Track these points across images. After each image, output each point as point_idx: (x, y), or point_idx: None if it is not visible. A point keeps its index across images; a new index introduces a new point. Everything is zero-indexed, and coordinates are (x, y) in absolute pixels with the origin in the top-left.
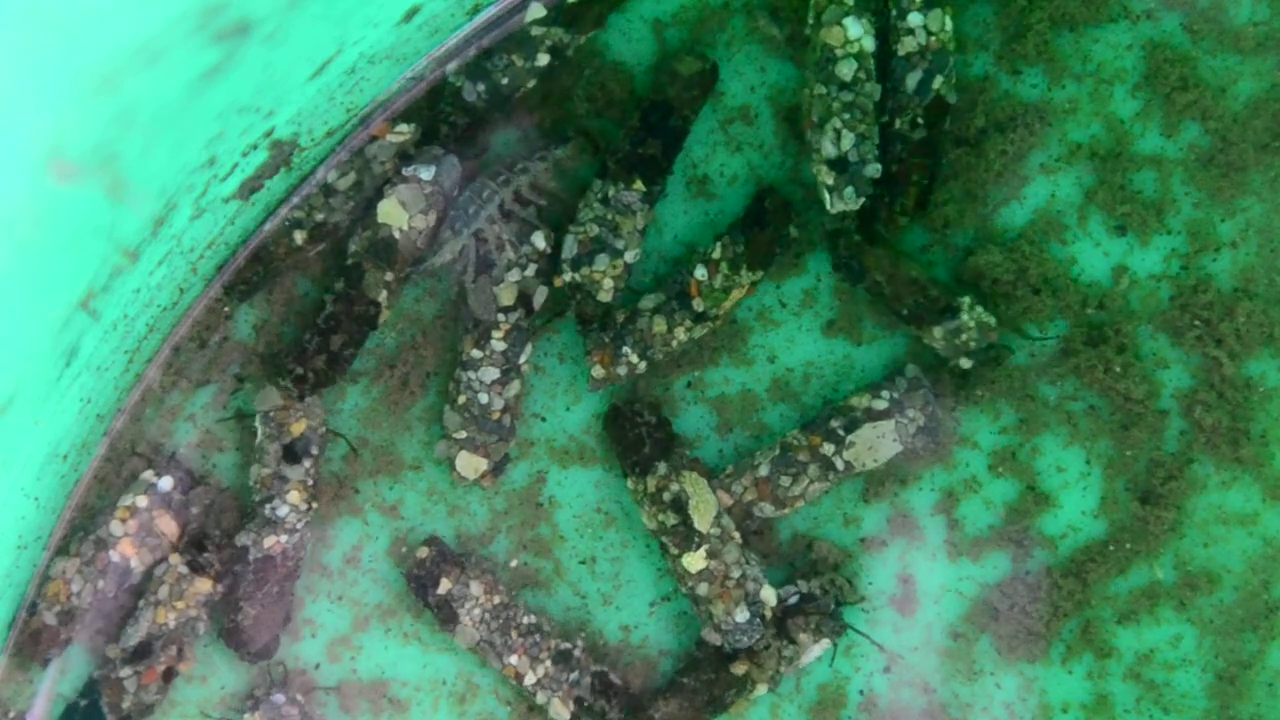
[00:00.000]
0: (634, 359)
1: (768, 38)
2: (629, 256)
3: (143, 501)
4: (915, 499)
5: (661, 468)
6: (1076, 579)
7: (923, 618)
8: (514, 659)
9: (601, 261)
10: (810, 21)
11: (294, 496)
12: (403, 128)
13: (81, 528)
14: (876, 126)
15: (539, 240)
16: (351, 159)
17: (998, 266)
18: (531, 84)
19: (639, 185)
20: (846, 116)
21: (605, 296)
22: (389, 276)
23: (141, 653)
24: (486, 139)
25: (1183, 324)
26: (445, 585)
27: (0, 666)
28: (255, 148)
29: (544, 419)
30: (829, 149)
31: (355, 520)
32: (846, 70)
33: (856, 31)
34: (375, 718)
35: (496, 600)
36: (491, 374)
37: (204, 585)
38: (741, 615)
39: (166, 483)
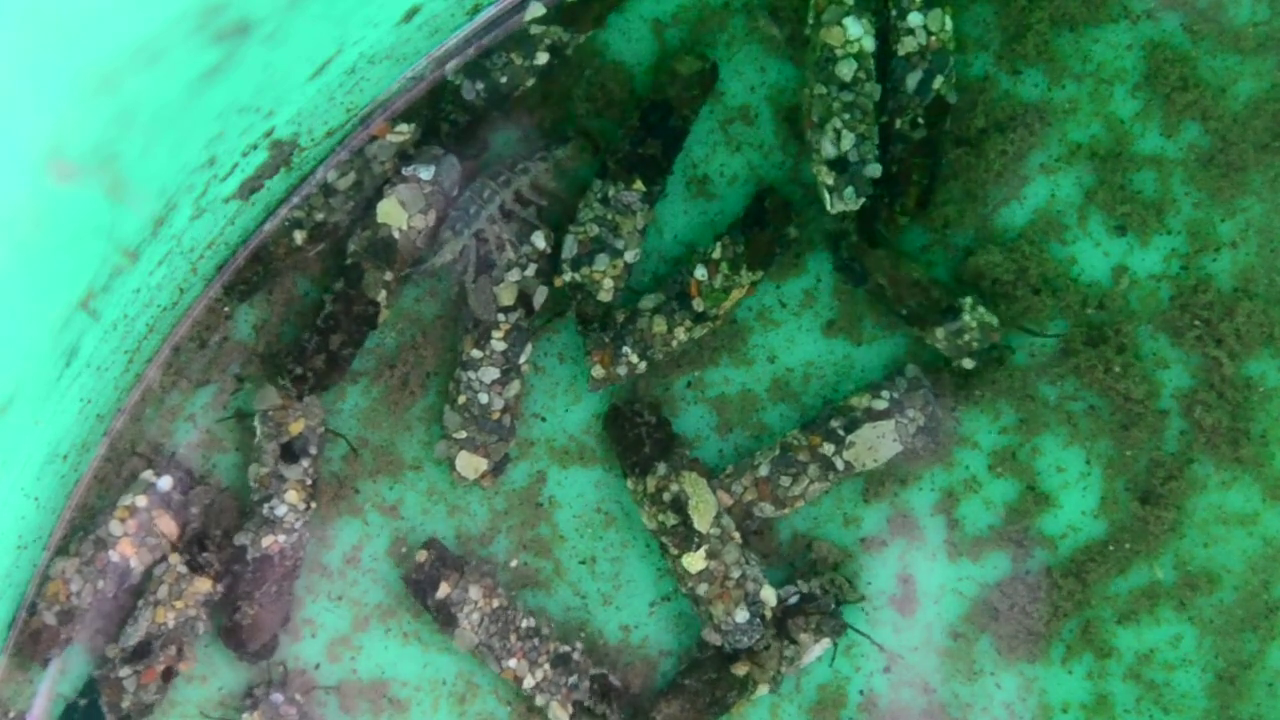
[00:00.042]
0: (634, 359)
1: (768, 38)
2: (629, 256)
3: (142, 501)
4: (915, 499)
5: (661, 468)
6: (1076, 579)
7: (923, 618)
8: (513, 662)
9: (601, 261)
10: (810, 21)
11: (292, 496)
12: (403, 128)
13: (81, 528)
14: (876, 127)
15: (539, 240)
16: (351, 159)
17: (998, 266)
18: (531, 83)
19: (639, 185)
20: (846, 117)
21: (605, 296)
22: (388, 276)
23: (141, 652)
24: (486, 138)
25: (1183, 324)
26: (444, 590)
27: (0, 666)
28: (255, 148)
29: (544, 419)
30: (829, 149)
31: (355, 520)
32: (846, 70)
33: (856, 31)
34: (375, 718)
35: (495, 604)
36: (491, 374)
37: (203, 585)
38: (741, 615)
39: (166, 482)
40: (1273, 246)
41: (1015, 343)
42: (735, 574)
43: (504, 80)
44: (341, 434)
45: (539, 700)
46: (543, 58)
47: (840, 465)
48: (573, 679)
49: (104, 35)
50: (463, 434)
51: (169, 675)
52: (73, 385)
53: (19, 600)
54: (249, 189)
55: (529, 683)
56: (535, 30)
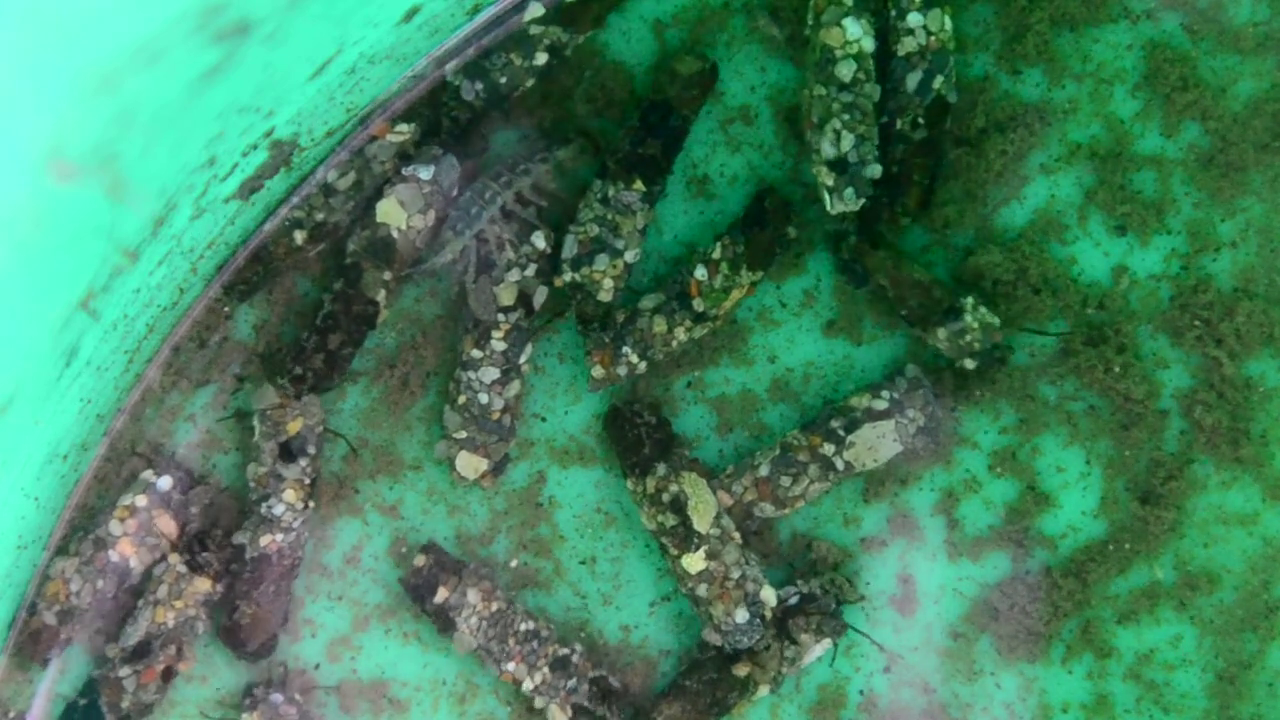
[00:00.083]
0: (634, 359)
1: (768, 38)
2: (629, 256)
3: (142, 501)
4: (915, 499)
5: (661, 468)
6: (1076, 579)
7: (923, 618)
8: (512, 665)
9: (601, 261)
10: (810, 22)
11: (290, 495)
12: (403, 128)
13: (81, 527)
14: (876, 127)
15: (539, 240)
16: (351, 159)
17: (998, 266)
18: (530, 83)
19: (639, 185)
20: (846, 117)
21: (605, 296)
22: (387, 276)
23: (140, 652)
24: (487, 139)
25: (1183, 324)
26: (442, 594)
27: (0, 666)
28: (255, 148)
29: (544, 419)
30: (829, 150)
31: (355, 520)
32: (846, 71)
33: (856, 32)
34: (375, 718)
35: (494, 607)
36: (491, 374)
37: (203, 585)
38: (741, 616)
39: (166, 482)
40: (1273, 246)
41: (1015, 343)
42: (735, 574)
43: (503, 81)
44: (341, 434)
45: (538, 703)
46: (542, 58)
47: (840, 465)
48: (572, 682)
49: (104, 35)
50: (463, 434)
51: (169, 675)
52: (73, 385)
53: (19, 600)
54: (249, 189)
55: (528, 685)
56: (534, 31)
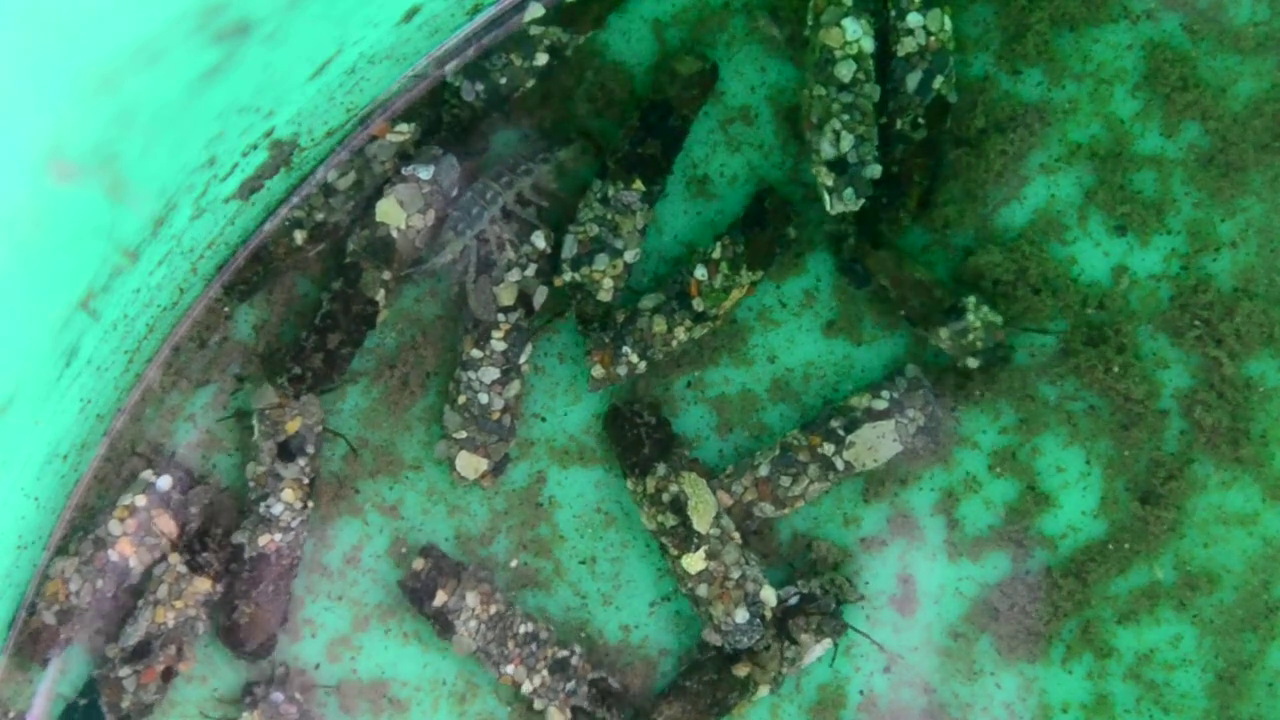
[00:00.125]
0: (634, 359)
1: (768, 38)
2: (629, 256)
3: (141, 501)
4: (915, 499)
5: (661, 468)
6: (1076, 579)
7: (923, 618)
8: (510, 668)
9: (601, 261)
10: (809, 23)
11: (289, 495)
12: (403, 127)
13: (81, 527)
14: (876, 127)
15: (539, 240)
16: (351, 159)
17: (998, 266)
18: (530, 84)
19: (639, 185)
20: (846, 118)
21: (605, 296)
22: (387, 275)
23: (140, 652)
24: (487, 139)
25: (1183, 324)
26: (441, 598)
27: (0, 666)
28: (255, 148)
29: (544, 419)
30: (828, 150)
31: (355, 520)
32: (846, 71)
33: (855, 32)
34: (375, 718)
35: (493, 610)
36: (491, 374)
37: (203, 585)
38: (741, 616)
39: (165, 482)
40: (1273, 246)
41: (1015, 342)
42: (735, 574)
43: (503, 81)
44: (341, 434)
45: (537, 705)
46: (542, 59)
47: (840, 465)
48: (571, 684)
49: (104, 35)
50: (463, 434)
51: (169, 675)
52: (73, 385)
53: (19, 600)
54: (249, 189)
55: (527, 688)
56: (535, 31)
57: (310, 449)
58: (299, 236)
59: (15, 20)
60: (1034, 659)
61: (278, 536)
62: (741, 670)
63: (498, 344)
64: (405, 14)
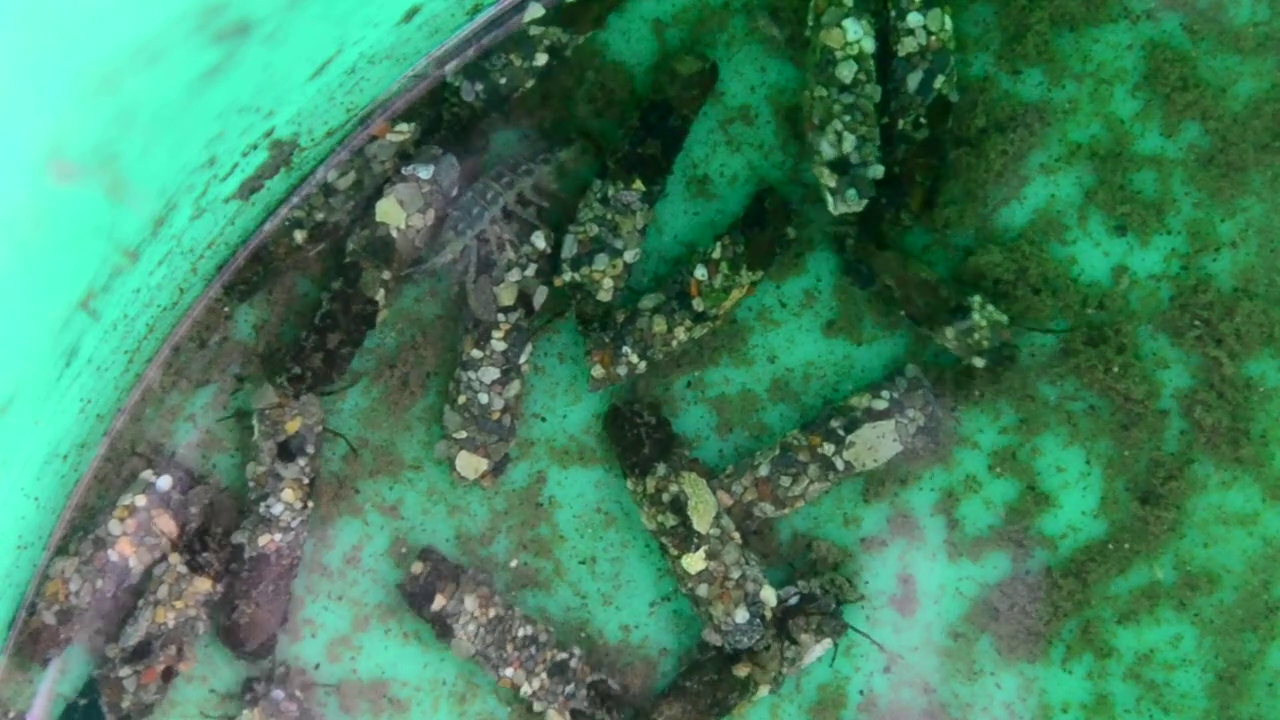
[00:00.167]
0: (634, 359)
1: (768, 38)
2: (629, 256)
3: (141, 501)
4: (915, 499)
5: (661, 468)
6: (1076, 579)
7: (923, 618)
8: (509, 671)
9: (601, 261)
10: (810, 23)
11: (288, 494)
12: (403, 127)
13: (81, 527)
14: (878, 128)
15: (539, 240)
16: (351, 159)
17: (998, 266)
18: (530, 84)
19: (639, 185)
20: (847, 118)
21: (605, 296)
22: (387, 275)
23: (141, 652)
24: (487, 139)
25: (1183, 324)
26: (439, 602)
27: (0, 666)
28: (255, 148)
29: (544, 419)
30: (830, 151)
31: (355, 520)
32: (846, 72)
33: (856, 33)
34: (375, 718)
35: (492, 614)
36: (491, 374)
37: (203, 585)
38: (741, 616)
39: (165, 482)
40: (1273, 246)
41: (1017, 343)
42: (735, 574)
43: (503, 81)
44: (341, 434)
45: (537, 707)
46: (542, 59)
47: (840, 465)
48: (570, 687)
49: (104, 35)
50: (463, 434)
51: (169, 675)
52: (73, 385)
53: (19, 600)
54: (249, 189)
55: (526, 690)
56: (534, 31)
57: (310, 449)
58: (299, 236)
59: (15, 20)
60: (1034, 659)
61: (278, 536)
62: (741, 670)
63: (498, 344)
64: (405, 14)
